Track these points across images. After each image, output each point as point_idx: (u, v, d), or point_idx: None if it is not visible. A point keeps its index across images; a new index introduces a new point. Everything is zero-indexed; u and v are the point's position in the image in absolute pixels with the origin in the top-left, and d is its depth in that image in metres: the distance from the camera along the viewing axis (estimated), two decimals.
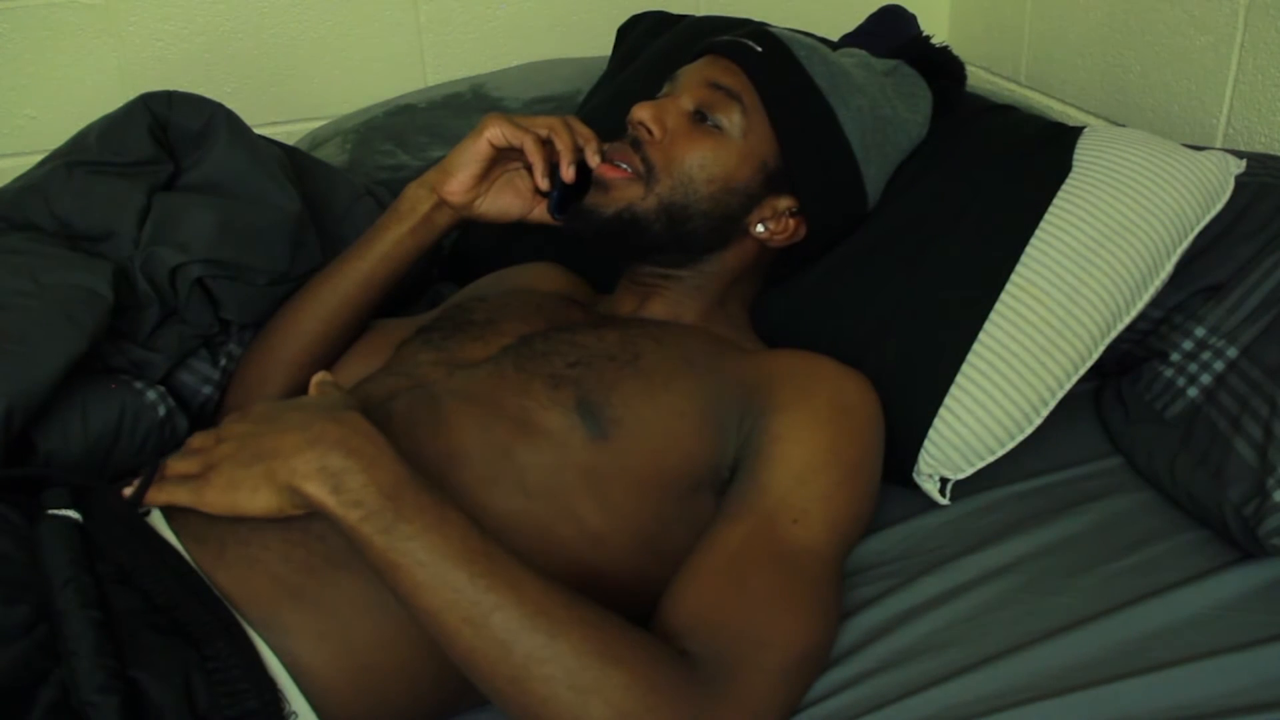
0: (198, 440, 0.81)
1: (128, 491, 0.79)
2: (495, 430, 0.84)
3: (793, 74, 0.98)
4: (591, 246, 1.02)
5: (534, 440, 0.84)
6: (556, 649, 0.69)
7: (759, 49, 0.99)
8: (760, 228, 0.99)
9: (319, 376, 0.85)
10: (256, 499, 0.74)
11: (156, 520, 0.79)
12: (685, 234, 0.96)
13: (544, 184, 0.99)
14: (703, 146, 0.96)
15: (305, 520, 0.76)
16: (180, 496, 0.77)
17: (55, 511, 0.76)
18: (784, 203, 0.99)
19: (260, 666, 0.72)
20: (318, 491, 0.72)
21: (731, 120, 0.96)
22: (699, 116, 0.97)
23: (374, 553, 0.71)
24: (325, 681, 0.74)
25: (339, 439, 0.73)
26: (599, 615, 0.72)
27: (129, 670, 0.67)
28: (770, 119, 0.97)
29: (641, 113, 0.96)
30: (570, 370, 0.88)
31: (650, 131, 0.96)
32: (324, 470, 0.72)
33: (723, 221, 0.97)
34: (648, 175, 0.95)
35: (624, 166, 0.96)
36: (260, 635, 0.74)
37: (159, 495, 0.78)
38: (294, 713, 0.73)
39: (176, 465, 0.79)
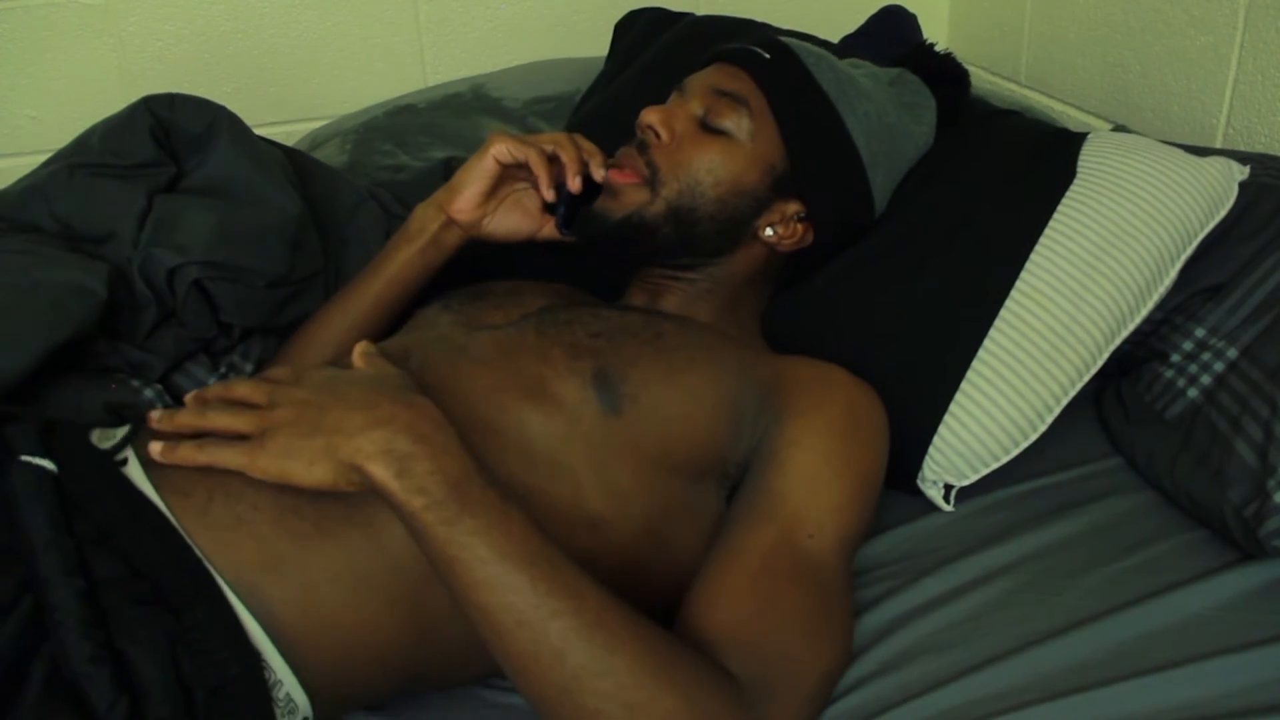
0: (242, 389, 0.76)
1: (156, 448, 0.74)
2: (508, 394, 0.83)
3: (800, 80, 0.99)
4: (600, 252, 1.02)
5: (545, 408, 0.83)
6: (612, 663, 0.67)
7: (767, 56, 0.99)
8: (769, 231, 0.99)
9: (362, 346, 0.81)
10: (312, 471, 0.71)
11: (133, 469, 0.77)
12: (693, 236, 0.97)
13: (549, 195, 0.99)
14: (711, 150, 0.96)
15: None
16: (229, 458, 0.72)
17: (28, 459, 0.73)
18: (792, 207, 0.99)
19: (241, 633, 0.71)
20: (381, 473, 0.69)
21: (739, 125, 0.96)
22: (707, 122, 0.97)
23: (434, 544, 0.69)
24: (306, 656, 0.73)
25: (409, 423, 0.71)
26: (654, 632, 0.70)
27: (115, 642, 0.67)
28: (778, 124, 0.97)
29: (650, 116, 0.97)
30: (591, 340, 0.87)
31: (659, 135, 0.96)
32: (390, 453, 0.70)
33: (730, 224, 0.97)
34: (653, 179, 0.96)
35: (631, 171, 0.96)
36: (241, 600, 0.72)
37: (199, 455, 0.73)
38: (280, 682, 0.72)
39: (221, 419, 0.74)
